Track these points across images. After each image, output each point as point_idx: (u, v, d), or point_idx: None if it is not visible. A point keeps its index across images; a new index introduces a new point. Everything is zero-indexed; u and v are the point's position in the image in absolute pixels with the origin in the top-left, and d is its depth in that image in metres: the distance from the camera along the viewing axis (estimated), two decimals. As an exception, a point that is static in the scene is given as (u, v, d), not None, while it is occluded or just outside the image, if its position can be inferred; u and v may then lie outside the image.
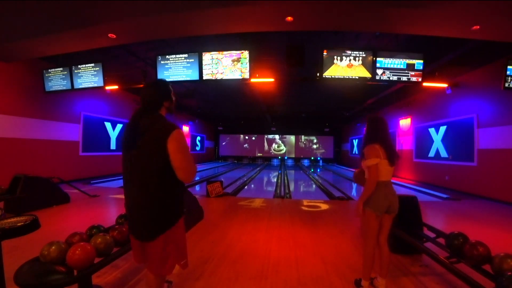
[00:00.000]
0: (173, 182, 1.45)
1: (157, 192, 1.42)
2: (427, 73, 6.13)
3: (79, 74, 6.38)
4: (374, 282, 2.18)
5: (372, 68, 5.30)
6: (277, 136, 23.80)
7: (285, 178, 11.73)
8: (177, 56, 5.74)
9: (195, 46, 6.66)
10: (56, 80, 6.60)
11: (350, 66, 5.29)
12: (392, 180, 2.14)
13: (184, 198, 1.62)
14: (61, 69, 6.51)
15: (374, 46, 6.71)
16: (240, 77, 5.55)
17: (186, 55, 5.70)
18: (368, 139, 2.13)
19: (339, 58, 5.27)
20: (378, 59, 5.28)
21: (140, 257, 1.55)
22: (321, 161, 22.83)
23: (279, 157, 23.48)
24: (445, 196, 7.00)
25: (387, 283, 2.21)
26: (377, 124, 2.14)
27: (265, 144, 23.99)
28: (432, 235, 2.80)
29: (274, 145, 23.89)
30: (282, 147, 23.82)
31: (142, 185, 1.42)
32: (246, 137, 24.04)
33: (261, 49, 6.94)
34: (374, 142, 2.08)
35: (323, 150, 23.22)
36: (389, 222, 2.13)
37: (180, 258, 1.53)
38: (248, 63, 5.46)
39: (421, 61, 5.34)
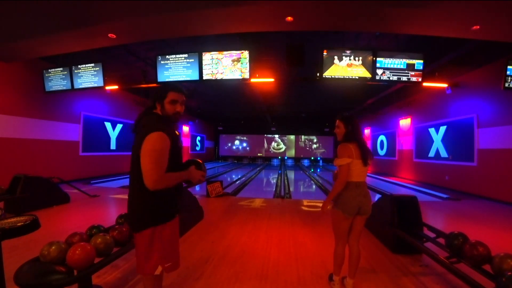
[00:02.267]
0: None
1: (140, 189, 1.39)
2: (427, 73, 6.13)
3: (79, 74, 6.38)
4: (344, 282, 2.18)
5: (372, 68, 5.29)
6: (276, 135, 23.81)
7: (285, 178, 11.73)
8: (177, 56, 5.74)
9: (195, 46, 6.66)
10: (56, 80, 6.60)
11: (350, 66, 5.29)
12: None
13: (177, 201, 1.57)
14: (61, 69, 6.51)
15: (374, 46, 6.71)
16: (240, 77, 5.55)
17: (186, 55, 5.70)
18: (345, 138, 2.06)
19: (339, 58, 5.27)
20: (378, 59, 5.28)
21: None
22: (321, 161, 22.82)
23: (279, 157, 23.48)
24: (445, 196, 7.00)
25: (388, 282, 2.21)
26: (354, 123, 2.06)
27: (265, 143, 23.99)
28: (432, 235, 2.80)
29: (273, 144, 23.88)
30: (282, 145, 23.81)
31: (131, 180, 1.47)
32: (245, 137, 24.04)
33: (261, 49, 6.94)
34: (349, 141, 2.01)
35: (323, 150, 23.22)
36: (361, 223, 2.07)
37: (165, 260, 1.48)
38: (248, 63, 5.46)
39: (421, 61, 5.34)
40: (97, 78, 6.29)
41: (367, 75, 5.32)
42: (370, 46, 6.75)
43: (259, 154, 23.80)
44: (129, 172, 1.49)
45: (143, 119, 1.49)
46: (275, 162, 22.99)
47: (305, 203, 5.77)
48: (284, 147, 23.77)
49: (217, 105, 15.84)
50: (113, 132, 10.24)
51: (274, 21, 4.34)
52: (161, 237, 1.46)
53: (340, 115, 2.12)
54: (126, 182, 8.55)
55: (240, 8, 3.95)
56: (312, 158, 23.29)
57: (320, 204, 5.67)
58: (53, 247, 1.75)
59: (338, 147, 2.03)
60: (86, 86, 6.42)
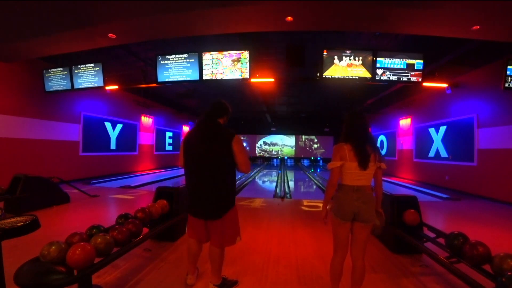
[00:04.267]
0: (232, 175, 1.96)
1: (225, 180, 1.92)
2: (427, 73, 6.13)
3: (79, 74, 6.37)
4: None
5: (372, 68, 5.29)
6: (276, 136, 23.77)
7: (285, 178, 11.73)
8: (177, 56, 5.73)
9: (195, 46, 6.66)
10: (56, 80, 6.59)
11: (350, 66, 5.29)
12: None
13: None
14: (61, 69, 6.50)
15: (374, 46, 6.71)
16: (240, 77, 5.55)
17: (186, 55, 5.69)
18: (342, 137, 1.90)
19: (339, 58, 5.26)
20: (378, 59, 5.28)
21: (203, 235, 2.05)
22: (321, 161, 22.81)
23: (279, 157, 23.46)
24: (445, 196, 7.00)
25: (388, 282, 2.20)
26: (351, 120, 1.88)
27: (264, 143, 23.96)
28: (432, 235, 2.80)
29: (270, 146, 23.88)
30: (279, 148, 23.76)
31: (210, 176, 1.88)
32: (245, 137, 24.01)
33: (261, 49, 6.94)
34: (344, 141, 1.85)
35: (323, 150, 23.20)
36: (362, 232, 1.84)
37: (236, 233, 2.06)
38: (248, 63, 5.46)
39: (421, 61, 5.33)
40: (97, 78, 6.29)
41: (367, 75, 5.32)
42: (370, 46, 6.74)
43: (259, 154, 23.77)
44: (198, 170, 1.92)
45: (215, 127, 1.97)
46: (275, 162, 22.98)
47: (305, 203, 5.77)
48: (283, 148, 23.72)
49: (217, 105, 15.82)
50: (113, 132, 10.24)
51: (274, 21, 4.34)
52: (230, 217, 2.00)
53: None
54: (126, 182, 8.60)
55: (240, 8, 3.95)
56: (312, 158, 23.28)
57: (320, 204, 5.67)
58: (53, 247, 1.75)
59: (333, 148, 1.90)
60: (86, 86, 6.41)
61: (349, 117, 1.92)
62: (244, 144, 23.22)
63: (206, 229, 2.03)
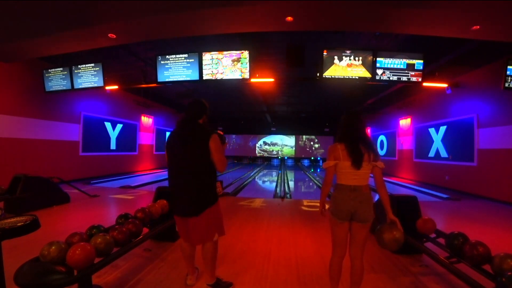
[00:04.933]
0: (211, 174, 2.00)
1: (203, 179, 1.96)
2: (427, 73, 6.13)
3: (79, 74, 6.37)
4: None
5: (372, 68, 5.29)
6: (276, 136, 23.77)
7: (285, 178, 11.73)
8: (177, 56, 5.73)
9: (195, 46, 6.66)
10: (56, 80, 6.59)
11: (350, 66, 5.29)
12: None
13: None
14: (61, 69, 6.50)
15: (374, 46, 6.71)
16: (240, 77, 5.54)
17: (186, 55, 5.69)
18: (337, 137, 1.94)
19: (339, 58, 5.26)
20: (378, 59, 5.28)
21: (185, 233, 2.06)
22: (321, 161, 22.79)
23: (279, 157, 23.46)
24: (445, 196, 7.00)
25: (388, 282, 2.20)
26: (346, 120, 1.91)
27: (264, 143, 23.95)
28: (432, 235, 2.80)
29: (269, 146, 23.87)
30: (278, 147, 23.75)
31: (189, 175, 1.94)
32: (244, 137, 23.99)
33: (261, 49, 6.94)
34: (338, 141, 1.88)
35: (323, 150, 23.18)
36: (360, 232, 1.84)
37: (218, 229, 2.08)
38: (248, 63, 5.46)
39: (421, 61, 5.33)
40: (97, 78, 6.29)
41: (367, 75, 5.32)
42: (370, 46, 6.74)
43: (259, 154, 23.76)
44: (180, 169, 1.97)
45: (193, 127, 2.00)
46: (275, 162, 22.97)
47: (305, 203, 5.77)
48: (283, 148, 23.71)
49: (217, 105, 15.83)
50: (113, 132, 10.24)
51: (274, 21, 4.34)
52: (214, 212, 2.02)
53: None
54: (126, 182, 8.60)
55: (240, 8, 3.95)
56: (312, 158, 23.26)
57: (320, 204, 5.68)
58: (53, 247, 1.75)
59: (328, 148, 1.93)
60: (86, 86, 6.41)
61: (344, 117, 1.94)
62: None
63: (187, 228, 2.04)
